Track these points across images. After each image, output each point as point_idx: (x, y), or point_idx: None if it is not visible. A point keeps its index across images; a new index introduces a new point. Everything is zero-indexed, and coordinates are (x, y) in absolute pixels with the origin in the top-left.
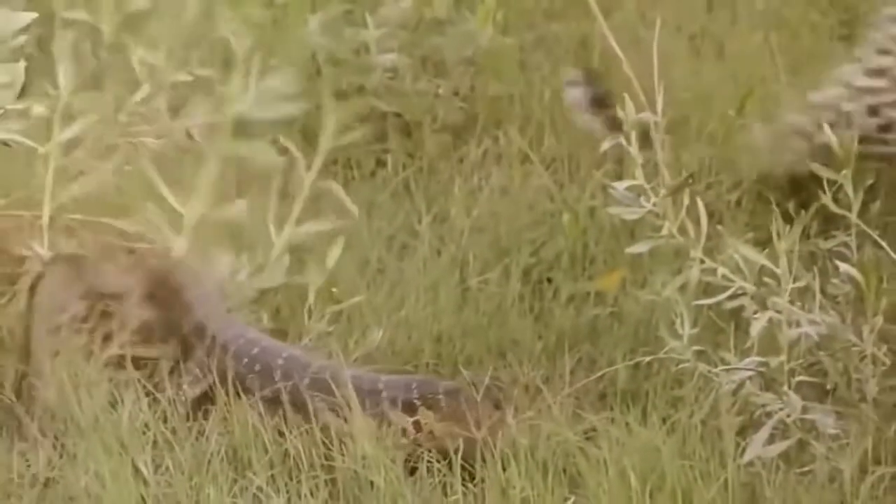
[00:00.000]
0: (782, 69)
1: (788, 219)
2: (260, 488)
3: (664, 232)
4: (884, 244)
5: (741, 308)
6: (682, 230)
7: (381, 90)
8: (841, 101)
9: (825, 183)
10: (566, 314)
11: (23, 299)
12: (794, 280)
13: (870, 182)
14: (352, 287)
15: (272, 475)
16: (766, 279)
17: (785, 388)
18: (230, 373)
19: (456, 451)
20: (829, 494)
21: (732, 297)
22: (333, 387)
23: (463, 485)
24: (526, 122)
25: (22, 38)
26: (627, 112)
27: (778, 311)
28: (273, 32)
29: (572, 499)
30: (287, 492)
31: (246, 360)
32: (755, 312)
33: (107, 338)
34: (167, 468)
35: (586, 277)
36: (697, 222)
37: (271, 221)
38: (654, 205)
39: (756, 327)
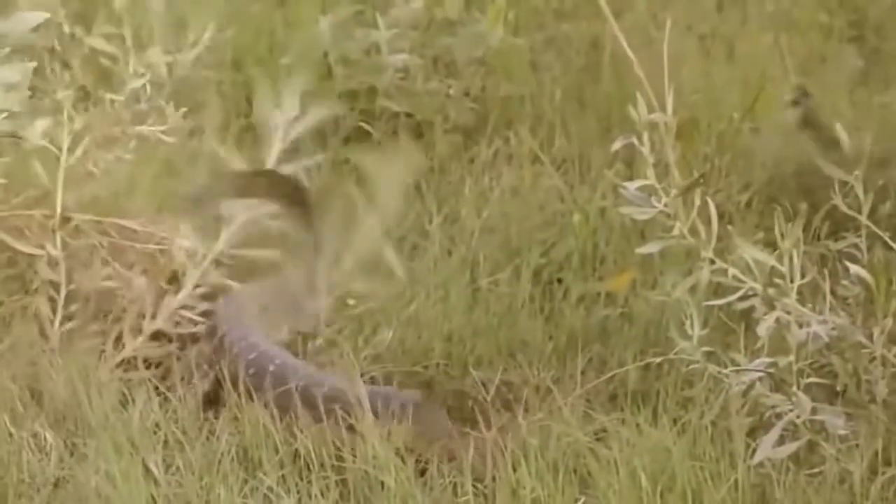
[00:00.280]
0: (792, 70)
1: (797, 219)
2: (270, 488)
3: (675, 232)
4: (894, 246)
5: (751, 309)
6: (693, 231)
7: (392, 90)
8: None
9: (836, 184)
10: (576, 315)
11: None
12: (802, 276)
13: (880, 183)
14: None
15: (283, 475)
16: (776, 280)
17: (795, 389)
18: (239, 373)
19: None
20: (838, 496)
21: (743, 298)
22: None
23: (473, 485)
24: (537, 123)
25: (32, 38)
26: (640, 112)
27: (787, 312)
28: (284, 32)
29: (582, 499)
30: (297, 492)
31: (244, 362)
32: (765, 313)
33: (119, 339)
34: (178, 468)
35: (597, 278)
36: (708, 223)
37: None
38: (665, 205)
39: (764, 327)
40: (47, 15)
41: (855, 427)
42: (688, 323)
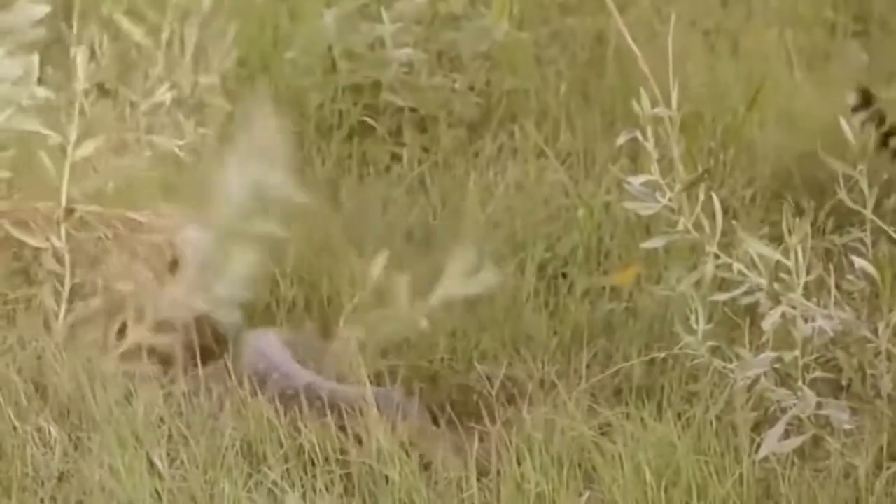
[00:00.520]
0: (796, 65)
1: (802, 214)
2: (275, 482)
3: (679, 227)
4: None
5: (756, 304)
6: (698, 225)
7: (396, 85)
8: None
9: (840, 178)
10: (581, 309)
11: None
12: (808, 272)
13: (885, 177)
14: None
15: (287, 469)
16: (782, 275)
17: (800, 384)
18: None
19: None
20: (843, 490)
21: (747, 292)
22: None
23: (478, 479)
24: (541, 117)
25: (37, 31)
26: (644, 107)
27: (792, 307)
28: (289, 26)
29: (587, 493)
30: (302, 486)
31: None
32: (770, 308)
33: (122, 330)
34: (182, 462)
35: (601, 272)
36: (713, 218)
37: None
38: (670, 200)
39: (769, 322)
40: (49, 8)
41: (860, 422)
42: (693, 317)
